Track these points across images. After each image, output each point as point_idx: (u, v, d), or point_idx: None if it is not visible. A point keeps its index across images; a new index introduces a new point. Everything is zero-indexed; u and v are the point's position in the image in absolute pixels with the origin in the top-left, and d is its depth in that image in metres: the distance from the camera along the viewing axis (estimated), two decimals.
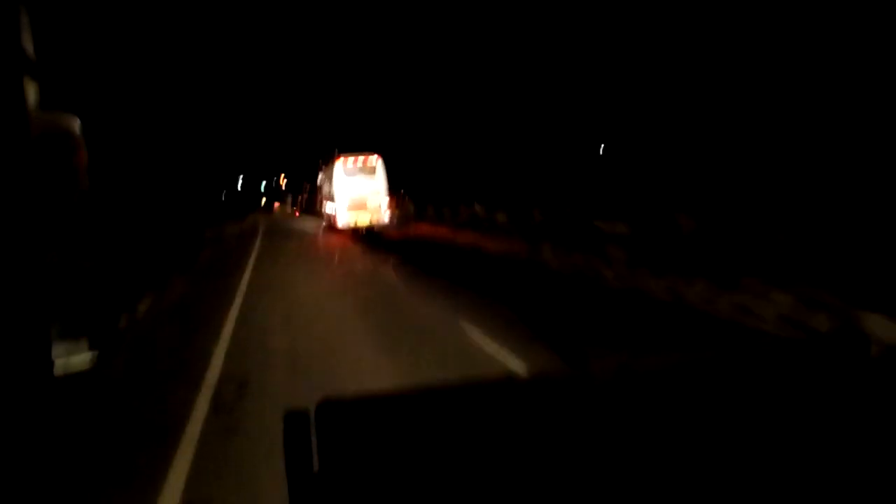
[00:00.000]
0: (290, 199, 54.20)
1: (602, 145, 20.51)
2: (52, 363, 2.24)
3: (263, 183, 72.60)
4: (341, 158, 22.04)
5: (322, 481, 0.78)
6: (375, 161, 21.98)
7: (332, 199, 22.64)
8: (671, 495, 0.79)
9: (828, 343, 1.11)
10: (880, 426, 0.88)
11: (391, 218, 22.40)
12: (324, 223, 25.58)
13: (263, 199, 66.81)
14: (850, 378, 0.98)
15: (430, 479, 0.78)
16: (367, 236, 20.56)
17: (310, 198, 37.27)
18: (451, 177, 26.05)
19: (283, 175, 73.59)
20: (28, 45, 3.27)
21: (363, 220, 21.60)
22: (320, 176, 28.37)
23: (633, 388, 0.91)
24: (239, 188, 65.78)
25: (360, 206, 21.60)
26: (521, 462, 0.80)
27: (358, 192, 21.63)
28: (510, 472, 0.79)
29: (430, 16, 26.06)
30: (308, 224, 29.78)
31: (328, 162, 24.24)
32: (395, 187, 23.04)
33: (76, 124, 2.56)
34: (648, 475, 0.80)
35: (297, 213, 46.35)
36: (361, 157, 22.08)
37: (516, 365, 4.67)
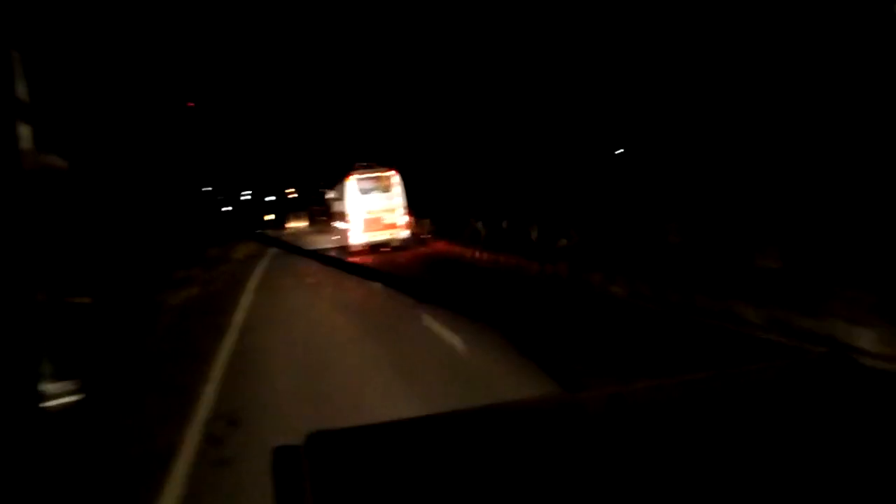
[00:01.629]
0: (305, 214, 55.08)
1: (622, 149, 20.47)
2: (41, 397, 2.50)
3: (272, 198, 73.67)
4: (354, 174, 22.49)
5: None
6: (392, 176, 22.37)
7: (344, 217, 23.03)
8: None
9: (819, 360, 1.16)
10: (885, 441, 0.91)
11: (410, 235, 22.71)
12: (335, 241, 25.98)
13: (272, 216, 67.25)
14: (850, 395, 1.01)
15: None
16: (384, 254, 20.87)
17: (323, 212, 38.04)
18: (474, 190, 26.07)
19: (292, 189, 74.91)
20: (22, 90, 3.62)
21: (379, 238, 21.93)
22: (331, 193, 28.88)
23: (625, 419, 0.96)
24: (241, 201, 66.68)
25: (376, 224, 21.94)
26: (516, 493, 0.83)
27: (373, 208, 22.03)
28: (502, 501, 0.82)
29: (445, 26, 26.52)
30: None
31: (340, 177, 24.73)
32: (413, 203, 23.31)
33: (64, 164, 2.85)
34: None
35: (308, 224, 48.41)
36: (376, 173, 22.49)
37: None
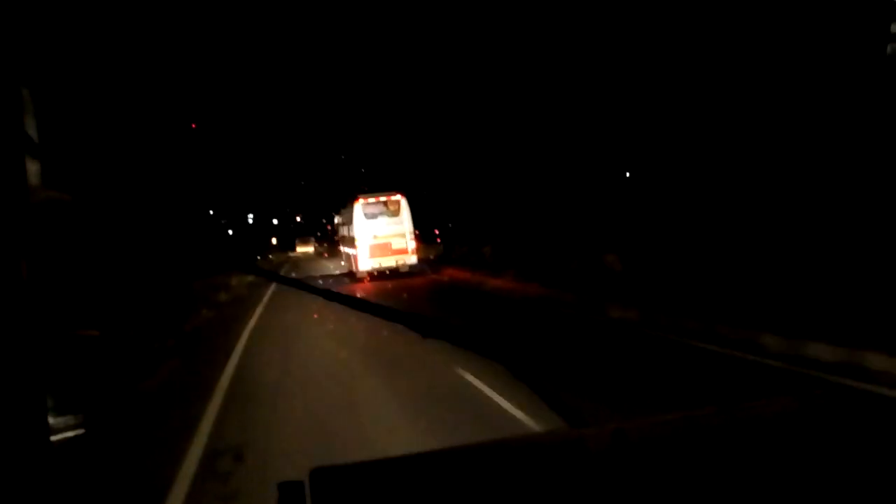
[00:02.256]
0: (312, 240, 55.84)
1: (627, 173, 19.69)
2: (48, 431, 2.53)
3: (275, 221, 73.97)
4: (361, 199, 22.67)
5: None
6: (399, 200, 22.49)
7: (352, 242, 23.18)
8: None
9: (825, 395, 1.15)
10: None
11: (419, 261, 22.82)
12: (343, 267, 26.18)
13: (274, 240, 67.50)
14: (856, 432, 1.03)
15: None
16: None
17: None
18: (492, 214, 25.40)
19: (298, 217, 75.45)
20: (31, 127, 3.72)
21: (387, 263, 22.02)
22: (338, 218, 29.12)
23: (629, 456, 0.97)
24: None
25: (383, 250, 22.05)
26: None
27: (381, 234, 22.09)
28: None
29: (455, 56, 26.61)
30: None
31: (347, 203, 24.97)
32: (422, 227, 23.41)
33: (68, 197, 2.94)
34: None
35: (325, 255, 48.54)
36: (383, 197, 22.61)
37: None
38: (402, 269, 22.17)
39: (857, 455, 0.99)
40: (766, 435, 1.04)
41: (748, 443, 1.02)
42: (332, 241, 52.18)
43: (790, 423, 1.07)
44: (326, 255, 46.36)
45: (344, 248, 26.23)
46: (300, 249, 53.20)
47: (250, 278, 24.40)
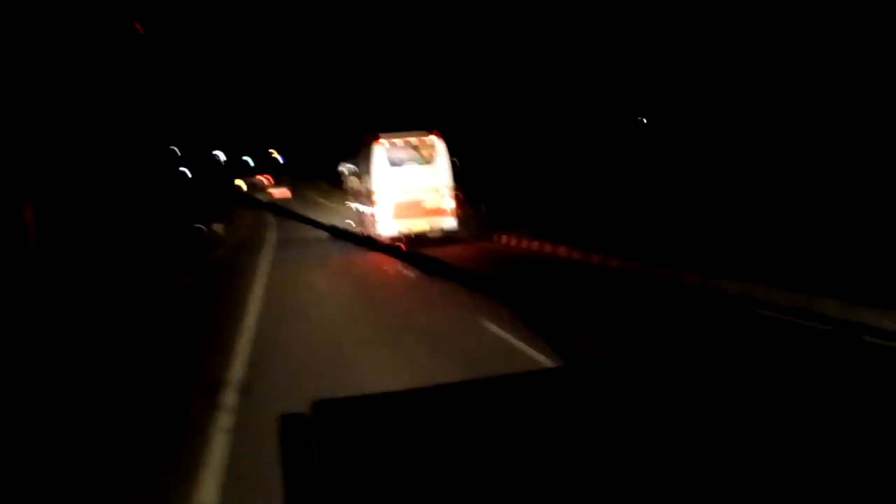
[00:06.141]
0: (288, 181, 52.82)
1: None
2: None
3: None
4: (382, 139, 18.26)
5: (320, 482, 0.90)
6: (434, 142, 18.24)
7: (367, 198, 18.83)
8: (664, 495, 0.91)
9: (825, 336, 1.24)
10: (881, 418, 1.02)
11: (458, 224, 18.51)
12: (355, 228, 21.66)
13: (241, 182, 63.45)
14: (850, 370, 1.12)
15: (427, 476, 0.92)
16: None
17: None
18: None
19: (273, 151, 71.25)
20: None
21: (417, 226, 17.90)
22: (346, 166, 24.51)
23: (627, 386, 1.08)
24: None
25: (412, 209, 17.82)
26: (517, 460, 0.94)
27: (410, 187, 17.92)
28: (506, 469, 0.93)
29: None
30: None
31: (360, 145, 20.36)
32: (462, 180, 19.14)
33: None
34: (640, 475, 0.93)
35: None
36: (413, 138, 18.33)
37: None
38: (434, 235, 17.98)
39: (853, 395, 1.07)
40: (769, 375, 1.11)
41: (751, 382, 1.10)
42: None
43: (792, 364, 1.15)
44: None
45: (355, 205, 21.63)
46: (276, 193, 48.82)
47: None
